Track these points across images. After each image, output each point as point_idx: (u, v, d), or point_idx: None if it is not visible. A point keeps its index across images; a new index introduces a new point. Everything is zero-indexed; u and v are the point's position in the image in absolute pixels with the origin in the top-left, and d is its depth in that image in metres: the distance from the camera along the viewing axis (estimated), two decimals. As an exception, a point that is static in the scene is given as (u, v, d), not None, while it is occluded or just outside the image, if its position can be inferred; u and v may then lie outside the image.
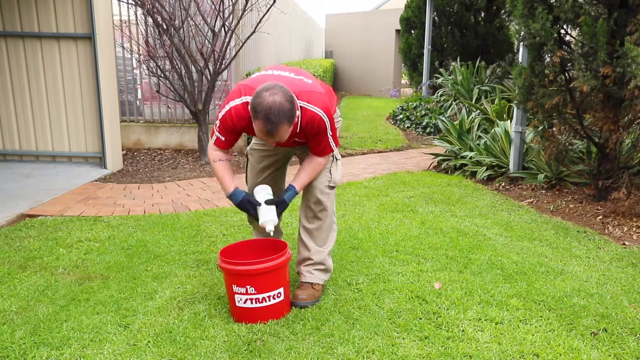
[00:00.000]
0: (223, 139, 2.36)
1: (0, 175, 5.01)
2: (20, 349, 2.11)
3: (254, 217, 2.39)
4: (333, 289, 2.66)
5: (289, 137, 2.25)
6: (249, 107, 2.12)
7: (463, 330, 2.27)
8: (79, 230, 3.53)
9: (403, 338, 2.21)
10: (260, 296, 2.26)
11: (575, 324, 2.34)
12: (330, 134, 2.36)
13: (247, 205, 2.36)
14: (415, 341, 2.19)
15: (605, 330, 2.29)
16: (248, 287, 2.25)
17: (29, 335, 2.20)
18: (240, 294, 2.27)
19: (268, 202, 2.37)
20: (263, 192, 2.41)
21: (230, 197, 2.37)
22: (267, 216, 2.35)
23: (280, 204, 2.39)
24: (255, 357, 2.06)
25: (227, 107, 2.29)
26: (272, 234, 2.39)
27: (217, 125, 2.34)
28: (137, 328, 2.27)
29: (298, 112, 2.19)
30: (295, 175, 2.45)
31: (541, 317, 2.40)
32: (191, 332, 2.23)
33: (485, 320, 2.36)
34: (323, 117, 2.29)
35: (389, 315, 2.40)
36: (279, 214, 2.41)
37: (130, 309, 2.43)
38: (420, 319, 2.36)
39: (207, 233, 3.50)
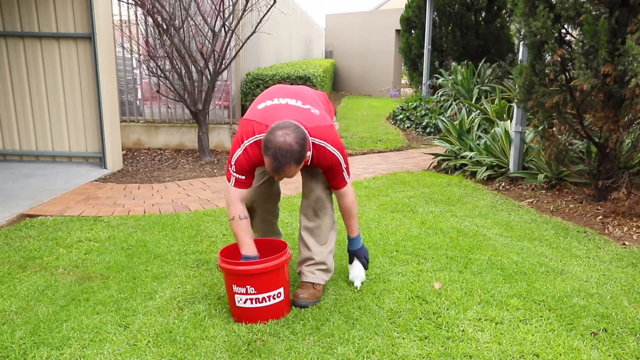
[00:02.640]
0: (243, 178, 2.34)
1: (0, 175, 5.01)
2: (20, 349, 2.11)
3: None
4: (333, 289, 2.66)
5: (303, 167, 2.31)
6: (263, 141, 2.16)
7: (463, 330, 2.27)
8: (79, 230, 3.53)
9: (403, 338, 2.21)
10: (260, 296, 2.26)
11: (575, 324, 2.33)
12: (344, 166, 2.42)
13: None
14: (415, 341, 2.19)
15: (605, 330, 2.29)
16: (248, 287, 2.25)
17: (29, 335, 2.20)
18: (240, 294, 2.27)
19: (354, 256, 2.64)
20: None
21: (246, 259, 2.37)
22: (357, 272, 2.65)
23: (359, 252, 2.64)
24: (255, 357, 2.06)
25: (241, 147, 2.29)
26: (358, 287, 2.65)
27: (234, 167, 2.32)
28: (137, 328, 2.27)
29: (309, 153, 2.25)
30: (347, 227, 2.62)
31: (541, 317, 2.39)
32: (191, 332, 2.23)
33: (485, 320, 2.36)
34: (336, 155, 2.35)
35: (389, 315, 2.40)
36: (363, 259, 2.66)
37: (130, 309, 2.43)
38: (420, 319, 2.36)
39: (207, 233, 3.50)
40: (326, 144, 2.31)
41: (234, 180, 2.35)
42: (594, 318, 2.38)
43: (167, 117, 6.70)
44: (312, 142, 2.28)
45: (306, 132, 2.22)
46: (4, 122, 5.50)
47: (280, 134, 2.10)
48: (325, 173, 2.45)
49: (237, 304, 2.29)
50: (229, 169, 2.35)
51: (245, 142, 2.29)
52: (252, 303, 2.27)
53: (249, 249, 2.36)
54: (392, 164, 5.92)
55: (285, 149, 2.09)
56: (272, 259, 2.27)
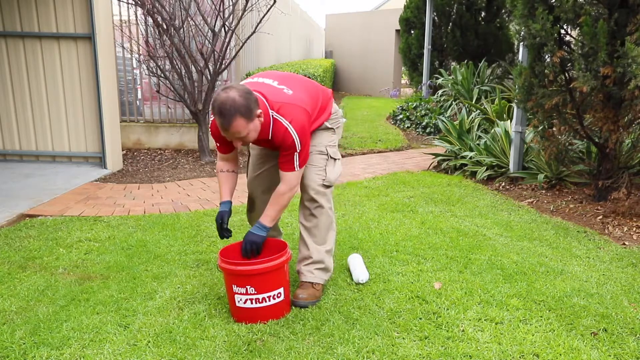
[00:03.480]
0: (218, 144, 2.47)
1: (0, 175, 5.01)
2: (20, 349, 2.11)
3: (218, 231, 2.47)
4: (333, 289, 2.66)
5: (262, 141, 2.33)
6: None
7: (463, 330, 2.27)
8: (79, 230, 3.53)
9: (403, 338, 2.21)
10: (260, 296, 2.26)
11: (575, 324, 2.34)
12: (298, 150, 2.32)
13: (217, 219, 2.44)
14: (415, 341, 2.19)
15: (605, 330, 2.29)
16: (248, 287, 2.25)
17: (29, 335, 2.20)
18: (240, 294, 2.27)
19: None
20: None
21: (220, 204, 2.50)
22: (358, 273, 2.75)
23: (247, 236, 2.40)
24: (255, 357, 2.06)
25: (212, 118, 2.33)
26: (363, 281, 2.72)
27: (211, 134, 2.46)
28: (137, 328, 2.27)
29: (262, 119, 2.21)
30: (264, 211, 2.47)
31: (541, 317, 2.40)
32: (191, 332, 2.23)
33: (485, 320, 2.36)
34: (294, 137, 2.28)
35: (389, 315, 2.40)
36: (254, 244, 2.39)
37: (130, 309, 2.43)
38: (420, 319, 2.36)
39: (207, 233, 3.50)
40: (286, 122, 2.27)
41: (215, 144, 2.51)
42: (594, 318, 2.38)
43: (167, 117, 6.70)
44: (272, 116, 2.27)
45: (259, 96, 2.22)
46: (4, 122, 5.50)
47: (223, 92, 2.13)
48: (280, 151, 2.38)
49: (237, 304, 2.29)
50: None
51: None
52: (252, 303, 2.27)
53: (222, 197, 2.49)
54: (392, 164, 5.92)
55: (228, 102, 2.09)
56: (272, 259, 2.27)
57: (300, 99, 2.37)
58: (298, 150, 2.32)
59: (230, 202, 2.50)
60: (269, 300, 2.29)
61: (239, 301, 2.28)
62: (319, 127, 2.53)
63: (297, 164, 2.36)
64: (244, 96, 2.12)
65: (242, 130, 2.15)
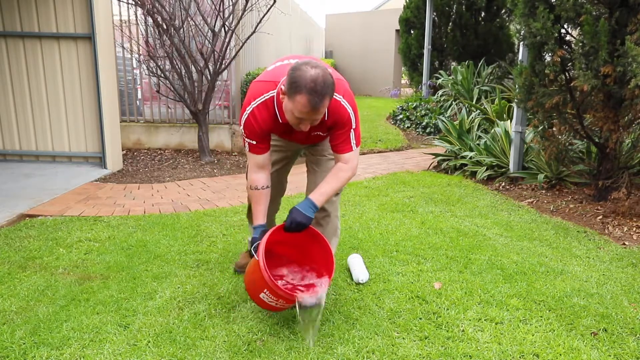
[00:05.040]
0: (255, 142, 2.20)
1: (0, 175, 5.01)
2: (20, 349, 2.11)
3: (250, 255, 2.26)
4: (333, 289, 2.66)
5: (312, 127, 2.09)
6: (286, 85, 1.94)
7: (463, 330, 2.27)
8: (79, 230, 3.53)
9: (403, 338, 2.21)
10: (283, 304, 2.19)
11: (575, 324, 2.33)
12: (354, 126, 2.16)
13: (253, 248, 2.20)
14: (415, 341, 2.19)
15: (605, 330, 2.29)
16: (280, 301, 2.14)
17: (29, 335, 2.20)
18: (269, 299, 2.16)
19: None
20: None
21: (254, 229, 2.29)
22: (358, 273, 2.73)
23: (294, 212, 2.16)
24: (255, 357, 2.06)
25: (248, 110, 2.15)
26: (363, 281, 2.70)
27: (243, 132, 2.19)
28: (137, 328, 2.27)
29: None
30: (315, 187, 2.22)
31: (541, 317, 2.39)
32: (191, 332, 2.23)
33: (485, 320, 2.36)
34: (349, 112, 2.13)
35: (389, 315, 2.40)
36: (300, 226, 2.17)
37: (130, 309, 2.43)
38: (420, 319, 2.36)
39: (207, 233, 3.50)
40: (340, 97, 2.11)
41: (247, 145, 2.21)
42: (594, 318, 2.38)
43: (167, 117, 6.70)
44: None
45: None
46: (4, 122, 5.50)
47: (310, 67, 1.89)
48: (332, 133, 2.18)
49: (261, 298, 2.18)
50: (242, 136, 2.24)
51: (252, 103, 2.14)
52: (275, 304, 2.19)
53: (257, 220, 2.27)
54: (392, 164, 5.92)
55: (320, 79, 1.87)
56: (314, 291, 2.16)
57: (339, 75, 2.21)
58: (354, 127, 2.16)
59: (266, 227, 2.27)
60: (289, 304, 2.20)
61: (263, 296, 2.16)
62: None
63: (354, 141, 2.18)
64: (329, 73, 1.94)
65: (324, 111, 1.98)
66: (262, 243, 2.14)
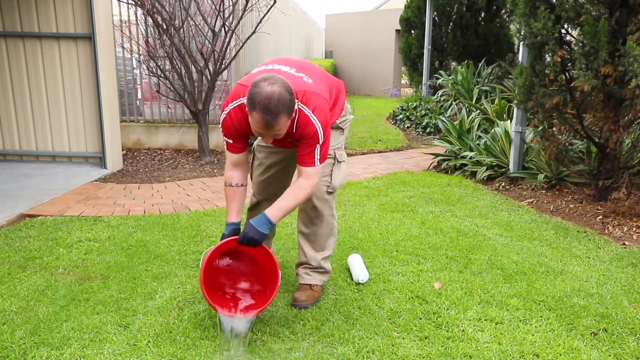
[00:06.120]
0: (231, 141, 2.24)
1: (0, 175, 5.01)
2: (20, 349, 2.11)
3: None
4: (333, 289, 2.66)
5: (285, 135, 2.11)
6: (246, 99, 1.98)
7: (463, 330, 2.27)
8: (79, 230, 3.53)
9: (403, 338, 2.21)
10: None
11: (575, 324, 2.33)
12: (321, 142, 2.14)
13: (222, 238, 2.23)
14: (415, 341, 2.19)
15: (605, 330, 2.29)
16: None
17: (29, 335, 2.20)
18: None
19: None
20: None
21: (226, 225, 2.30)
22: (358, 273, 2.75)
23: (247, 228, 2.12)
24: (255, 357, 2.06)
25: (225, 111, 2.19)
26: (364, 281, 2.71)
27: (222, 131, 2.24)
28: (137, 328, 2.27)
29: (296, 107, 2.05)
30: (274, 203, 2.19)
31: (541, 317, 2.39)
32: (191, 332, 2.23)
33: (485, 320, 2.36)
34: (317, 127, 2.11)
35: (389, 315, 2.40)
36: (252, 242, 2.12)
37: (130, 309, 2.43)
38: (420, 319, 2.36)
39: (207, 233, 3.50)
40: (308, 111, 2.10)
41: (225, 144, 2.26)
42: (594, 318, 2.38)
43: (167, 117, 6.70)
44: (297, 106, 2.07)
45: (291, 85, 2.01)
46: (4, 122, 5.49)
47: (266, 84, 1.90)
48: (299, 144, 2.16)
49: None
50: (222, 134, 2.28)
51: (230, 104, 2.18)
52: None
53: (230, 217, 2.28)
54: (392, 164, 5.92)
55: (275, 97, 1.88)
56: (259, 309, 2.17)
57: (320, 89, 2.20)
58: (320, 142, 2.14)
59: (239, 225, 2.28)
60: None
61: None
62: (330, 125, 2.32)
63: (318, 157, 2.16)
64: (289, 91, 1.93)
65: (284, 128, 1.98)
66: (210, 251, 2.18)
